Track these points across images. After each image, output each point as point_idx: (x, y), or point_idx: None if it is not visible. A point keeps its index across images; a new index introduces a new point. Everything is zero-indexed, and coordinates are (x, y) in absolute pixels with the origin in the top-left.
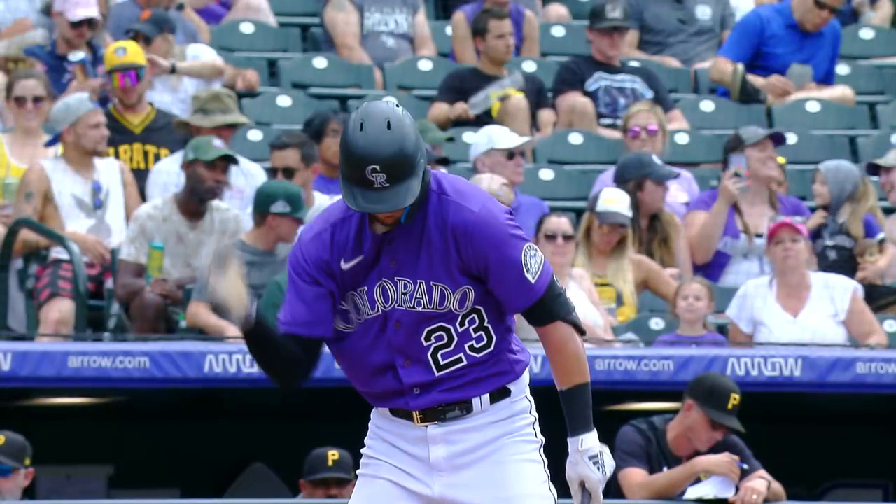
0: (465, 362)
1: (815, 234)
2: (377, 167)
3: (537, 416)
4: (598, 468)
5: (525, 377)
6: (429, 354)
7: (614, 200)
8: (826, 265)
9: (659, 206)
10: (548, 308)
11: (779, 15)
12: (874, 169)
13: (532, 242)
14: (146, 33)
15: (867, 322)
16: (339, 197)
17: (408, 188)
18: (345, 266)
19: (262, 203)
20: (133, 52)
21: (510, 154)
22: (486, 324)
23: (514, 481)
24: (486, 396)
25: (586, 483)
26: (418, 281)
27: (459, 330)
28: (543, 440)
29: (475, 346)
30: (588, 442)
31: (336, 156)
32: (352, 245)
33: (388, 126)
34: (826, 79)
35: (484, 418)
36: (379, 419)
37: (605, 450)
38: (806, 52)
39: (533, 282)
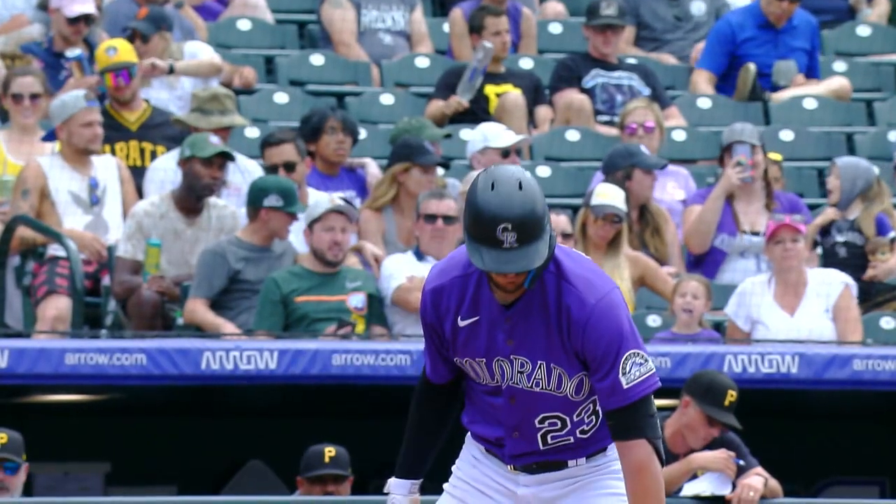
0: (571, 441)
1: (825, 231)
2: (508, 226)
3: None
4: None
5: None
6: (539, 434)
7: (608, 195)
8: (835, 262)
9: (647, 195)
10: (633, 421)
11: (749, 16)
12: None
13: (643, 352)
14: (143, 31)
15: (852, 319)
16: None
17: (536, 250)
18: (461, 323)
19: (255, 198)
20: (124, 51)
21: (505, 153)
22: (597, 407)
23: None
24: (583, 458)
25: None
26: (538, 361)
27: (575, 420)
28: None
29: (585, 429)
30: None
31: (335, 153)
32: (468, 304)
33: (520, 187)
34: (810, 73)
35: (577, 471)
36: (474, 448)
37: None
38: (782, 48)
39: (625, 386)
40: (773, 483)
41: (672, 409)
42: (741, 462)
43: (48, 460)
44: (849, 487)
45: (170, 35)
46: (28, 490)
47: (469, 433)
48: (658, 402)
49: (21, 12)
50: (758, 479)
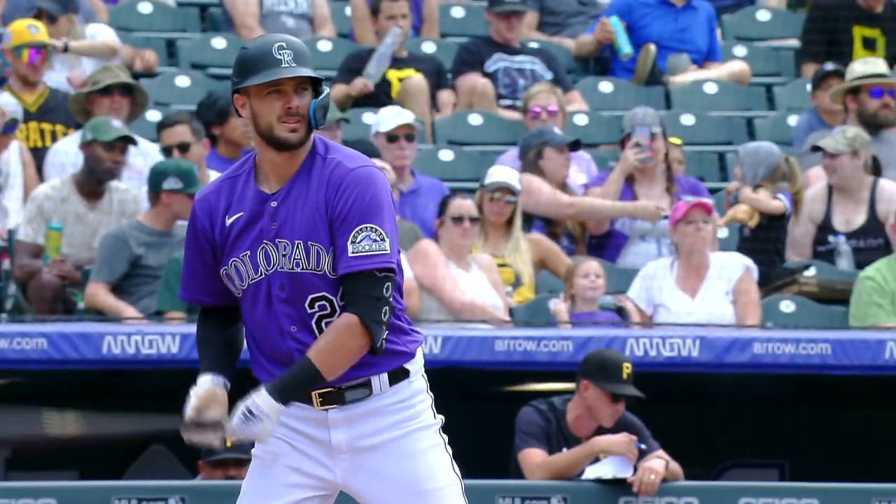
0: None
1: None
2: (283, 44)
3: (432, 395)
4: (242, 420)
5: (419, 357)
6: (314, 322)
7: (501, 172)
8: (741, 246)
9: (562, 173)
10: (354, 294)
11: None
12: (818, 149)
13: (385, 233)
14: (51, 12)
15: (751, 302)
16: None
17: (312, 71)
18: (228, 221)
19: (155, 181)
20: (43, 31)
21: (391, 137)
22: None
23: (425, 475)
24: (385, 376)
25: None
26: (296, 241)
27: (341, 303)
28: (442, 419)
29: (324, 314)
30: (259, 399)
31: (244, 136)
32: (235, 202)
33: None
34: (710, 55)
35: (384, 399)
36: None
37: (263, 419)
38: (681, 23)
39: (350, 254)
40: (674, 466)
41: (572, 393)
42: (643, 446)
43: None
44: (748, 470)
45: (76, 17)
46: None
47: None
48: (561, 386)
49: None
50: (659, 461)
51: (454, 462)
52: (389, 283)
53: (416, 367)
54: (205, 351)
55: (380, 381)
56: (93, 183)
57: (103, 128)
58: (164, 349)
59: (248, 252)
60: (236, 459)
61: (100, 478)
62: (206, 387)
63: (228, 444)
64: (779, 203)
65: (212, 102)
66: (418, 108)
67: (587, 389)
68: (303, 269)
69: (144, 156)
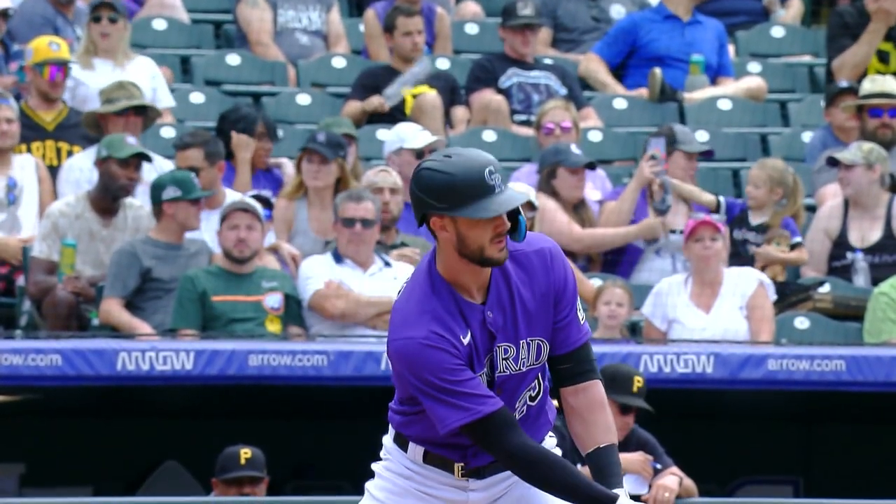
0: (524, 413)
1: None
2: (492, 168)
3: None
4: None
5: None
6: (517, 411)
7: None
8: (741, 261)
9: (574, 194)
10: (590, 361)
11: (654, 13)
12: (834, 163)
13: None
14: (112, 17)
15: (765, 318)
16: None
17: (526, 196)
18: (465, 341)
19: (155, 195)
20: (64, 48)
21: (419, 154)
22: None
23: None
24: None
25: None
26: (520, 341)
27: (545, 384)
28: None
29: (532, 394)
30: (624, 499)
31: (260, 157)
32: (456, 321)
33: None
34: (721, 71)
35: None
36: (403, 459)
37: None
38: (688, 37)
39: (582, 322)
40: (689, 483)
41: None
42: (658, 465)
43: None
44: (763, 486)
45: (129, 24)
46: None
47: (393, 448)
48: None
49: None
50: (673, 478)
51: None
52: None
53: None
54: (576, 475)
55: None
56: (107, 200)
57: (118, 145)
58: (179, 365)
59: (485, 370)
60: (251, 477)
61: (114, 494)
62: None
63: None
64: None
65: (234, 119)
66: (432, 125)
67: None
68: (529, 366)
69: (159, 172)
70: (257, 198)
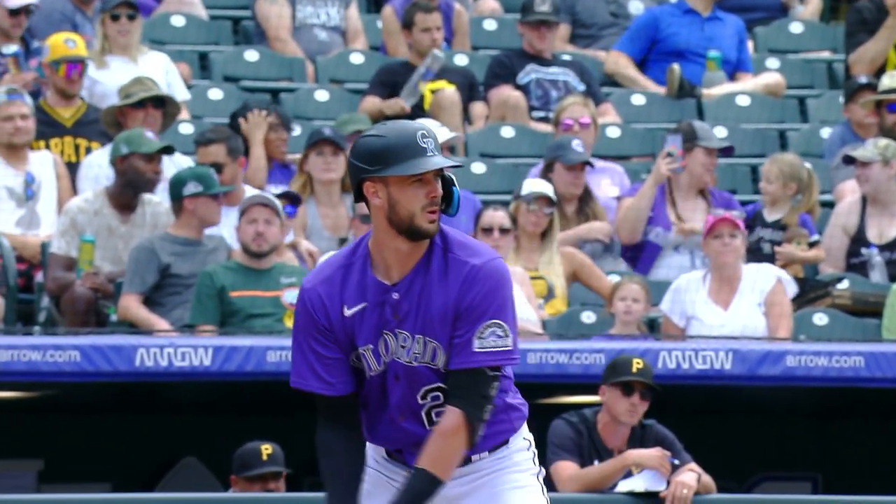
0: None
1: (749, 226)
2: (425, 132)
3: (536, 450)
4: None
5: (524, 426)
6: (423, 412)
7: (537, 184)
8: (759, 258)
9: (571, 191)
10: (466, 391)
11: (674, 8)
12: (851, 160)
13: (509, 329)
14: (130, 14)
15: (784, 314)
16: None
17: (456, 160)
18: (348, 312)
19: (175, 190)
20: (80, 45)
21: None
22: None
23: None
24: (486, 452)
25: None
26: (416, 336)
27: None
28: (543, 470)
29: (437, 400)
30: None
31: (277, 150)
32: (353, 292)
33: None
34: (740, 66)
35: (482, 463)
36: (373, 453)
37: None
38: (708, 33)
39: (475, 349)
40: (707, 479)
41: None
42: (675, 461)
43: None
44: (782, 483)
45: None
46: None
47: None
48: (593, 399)
49: None
50: (691, 475)
51: None
52: (496, 383)
53: (518, 435)
54: (339, 487)
55: (480, 456)
56: (127, 196)
57: (141, 140)
58: (197, 361)
59: (372, 346)
60: (274, 473)
61: (132, 490)
62: None
63: None
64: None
65: (250, 110)
66: (451, 121)
67: (604, 394)
68: (419, 362)
69: (178, 168)
70: (286, 195)
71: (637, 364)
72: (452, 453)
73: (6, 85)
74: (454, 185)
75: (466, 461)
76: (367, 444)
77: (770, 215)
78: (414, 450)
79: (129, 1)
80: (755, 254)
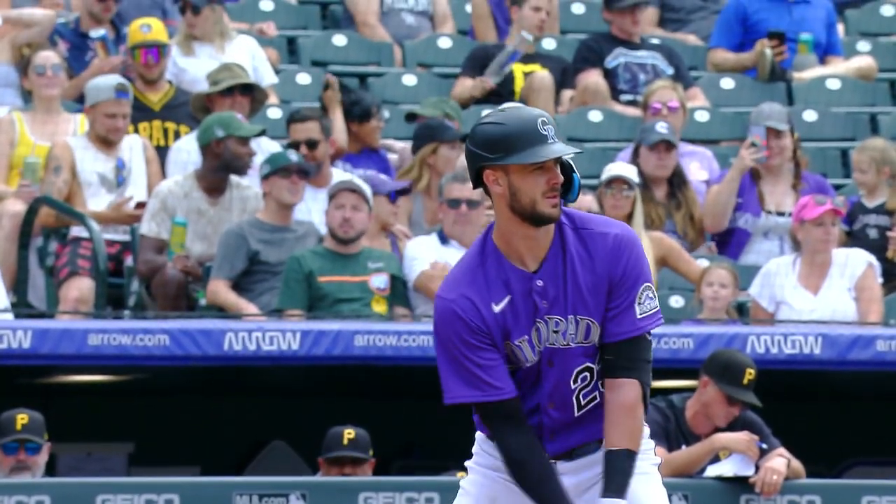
0: (598, 400)
1: (851, 215)
2: (545, 119)
3: (654, 441)
4: None
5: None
6: (574, 397)
7: (618, 167)
8: (865, 244)
9: (658, 173)
10: (633, 358)
11: None
12: None
13: (652, 287)
14: (195, 2)
15: (874, 299)
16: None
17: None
18: (496, 309)
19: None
20: (157, 30)
21: None
22: None
23: (640, 495)
24: None
25: None
26: (569, 316)
27: (597, 368)
28: (661, 460)
29: (587, 381)
30: None
31: (376, 138)
32: (495, 288)
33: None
34: (830, 49)
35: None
36: (494, 451)
37: None
38: (797, 15)
39: (638, 315)
40: (796, 464)
41: (695, 390)
42: (764, 445)
43: (71, 441)
44: (872, 468)
45: (220, 7)
46: (51, 470)
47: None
48: (681, 383)
49: None
50: (781, 461)
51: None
52: (652, 345)
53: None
54: (552, 488)
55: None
56: (217, 178)
57: (234, 123)
58: (285, 346)
59: (526, 336)
60: (353, 458)
61: (221, 473)
62: None
63: None
64: None
65: (355, 101)
66: (543, 105)
67: (706, 386)
68: (577, 343)
69: (265, 154)
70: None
71: (749, 375)
72: (640, 422)
73: (108, 77)
74: (574, 171)
75: (597, 447)
76: (489, 442)
77: (870, 202)
78: (553, 438)
79: None
80: (861, 240)
